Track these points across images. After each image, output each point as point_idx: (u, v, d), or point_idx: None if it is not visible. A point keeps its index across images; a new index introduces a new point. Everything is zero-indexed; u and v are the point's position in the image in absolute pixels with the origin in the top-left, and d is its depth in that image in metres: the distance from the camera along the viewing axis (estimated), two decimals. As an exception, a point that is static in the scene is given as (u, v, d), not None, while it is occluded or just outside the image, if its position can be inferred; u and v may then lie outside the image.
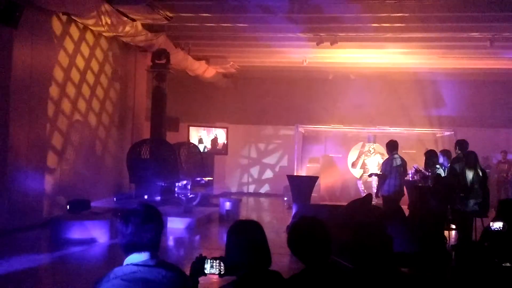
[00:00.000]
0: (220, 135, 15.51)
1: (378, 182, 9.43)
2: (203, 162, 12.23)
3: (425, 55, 12.90)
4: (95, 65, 10.79)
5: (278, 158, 16.97)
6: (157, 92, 11.84)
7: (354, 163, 14.73)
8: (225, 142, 15.58)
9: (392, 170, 8.74)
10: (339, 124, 15.01)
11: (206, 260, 2.46)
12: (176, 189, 10.66)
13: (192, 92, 16.24)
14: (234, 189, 16.73)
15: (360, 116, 15.62)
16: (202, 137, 15.10)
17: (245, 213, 11.67)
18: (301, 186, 10.98)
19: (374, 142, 14.11)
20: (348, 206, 8.17)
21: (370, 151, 14.00)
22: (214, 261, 2.47)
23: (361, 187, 13.65)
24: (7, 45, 8.07)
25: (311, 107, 16.08)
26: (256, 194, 16.64)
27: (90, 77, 10.64)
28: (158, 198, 10.52)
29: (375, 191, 9.29)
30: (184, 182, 10.78)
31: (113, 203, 10.07)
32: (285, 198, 13.78)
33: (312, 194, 11.43)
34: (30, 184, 8.52)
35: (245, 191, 16.93)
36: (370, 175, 11.38)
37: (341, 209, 8.24)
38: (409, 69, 14.49)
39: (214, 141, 15.36)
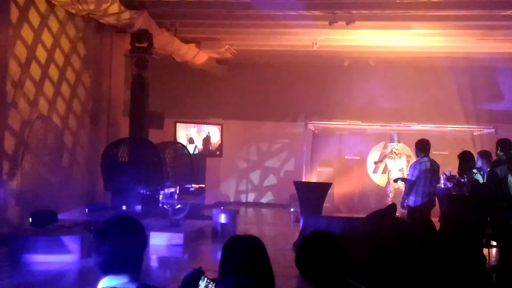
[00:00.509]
0: (214, 133, 15.52)
1: (404, 190, 9.43)
2: (193, 165, 12.23)
3: (460, 37, 12.90)
4: (62, 50, 10.79)
5: (283, 161, 16.97)
6: (137, 81, 11.84)
7: (375, 162, 14.72)
8: (220, 141, 15.58)
9: (420, 176, 8.74)
10: (356, 120, 15.02)
11: (203, 277, 2.48)
12: (160, 198, 10.67)
13: (179, 82, 16.24)
14: (230, 198, 16.74)
15: (382, 110, 15.62)
16: (191, 135, 15.11)
17: (243, 227, 11.68)
18: (311, 194, 10.99)
19: (399, 142, 14.07)
20: (367, 219, 8.18)
21: (395, 152, 13.95)
22: (211, 283, 2.48)
23: (389, 196, 13.56)
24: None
25: (322, 100, 16.08)
26: (256, 204, 16.65)
27: (56, 63, 10.63)
28: (139, 208, 10.52)
29: (401, 200, 9.30)
30: (171, 190, 10.78)
31: (85, 215, 10.06)
32: (292, 209, 13.77)
33: (324, 204, 11.45)
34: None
35: (244, 200, 16.93)
36: (396, 180, 11.36)
37: (359, 222, 8.24)
38: (441, 54, 14.48)
39: (206, 140, 15.37)
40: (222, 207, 12.50)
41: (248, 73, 16.59)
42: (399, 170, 13.62)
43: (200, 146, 15.23)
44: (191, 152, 13.52)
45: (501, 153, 7.99)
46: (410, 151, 13.60)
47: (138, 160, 10.65)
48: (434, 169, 8.85)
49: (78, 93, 11.47)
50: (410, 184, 8.84)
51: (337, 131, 15.66)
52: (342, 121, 15.14)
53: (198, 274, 2.51)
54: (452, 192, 8.80)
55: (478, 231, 7.61)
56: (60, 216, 8.89)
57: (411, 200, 8.79)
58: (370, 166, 15.07)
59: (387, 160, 14.03)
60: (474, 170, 8.55)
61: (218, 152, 15.67)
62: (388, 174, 14.02)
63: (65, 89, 11.00)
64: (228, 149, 15.92)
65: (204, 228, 10.95)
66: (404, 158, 13.90)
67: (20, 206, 9.42)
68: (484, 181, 8.25)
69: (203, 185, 13.63)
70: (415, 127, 14.63)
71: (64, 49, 10.86)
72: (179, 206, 10.76)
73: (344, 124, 15.19)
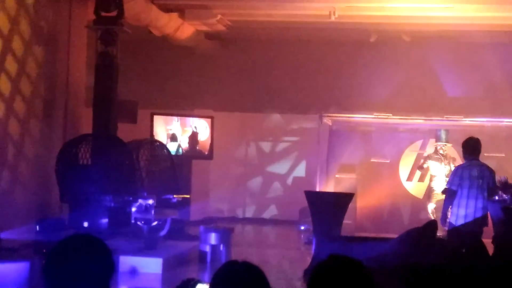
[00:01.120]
0: (202, 128, 15.50)
1: (444, 203, 9.42)
2: (175, 170, 12.23)
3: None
4: (4, 21, 10.77)
5: (291, 165, 16.97)
6: (103, 61, 11.82)
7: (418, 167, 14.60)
8: (210, 139, 15.57)
9: (463, 185, 8.73)
10: (385, 113, 15.01)
11: (198, 283, 2.51)
12: (132, 213, 10.67)
13: (158, 63, 16.23)
14: (223, 213, 16.73)
15: (419, 100, 15.59)
16: (173, 131, 15.10)
17: (239, 251, 11.68)
18: (327, 208, 10.98)
19: (447, 142, 13.86)
20: (400, 240, 8.16)
21: (441, 154, 13.81)
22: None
23: (430, 211, 13.51)
24: None
25: (342, 86, 16.07)
26: (257, 221, 16.64)
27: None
28: (105, 225, 10.51)
29: (441, 215, 9.30)
30: (147, 201, 10.78)
31: (35, 234, 10.07)
32: (302, 227, 13.78)
33: (344, 221, 11.43)
34: None
35: (240, 215, 16.93)
36: (444, 192, 11.27)
37: (389, 244, 8.23)
38: (498, 27, 14.46)
39: (193, 137, 15.35)
40: (212, 224, 12.50)
41: (246, 51, 16.58)
42: (446, 176, 13.50)
43: (184, 145, 15.22)
44: (173, 152, 13.52)
45: None
46: (456, 153, 13.55)
47: (104, 162, 10.64)
48: (484, 176, 8.83)
49: (28, 67, 11.45)
50: (450, 195, 8.85)
51: (361, 126, 15.65)
52: (367, 113, 15.12)
53: (192, 284, 2.52)
54: (509, 206, 8.79)
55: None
56: (2, 235, 8.88)
57: (454, 216, 8.78)
58: (403, 172, 15.04)
59: (429, 162, 13.84)
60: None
61: (207, 154, 15.66)
62: (431, 180, 13.88)
63: (11, 61, 10.99)
64: (220, 149, 15.90)
65: (189, 251, 10.95)
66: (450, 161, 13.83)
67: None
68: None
69: (188, 196, 13.62)
70: (461, 121, 14.60)
71: (2, 30, 10.81)
72: (156, 222, 10.76)
73: (369, 117, 15.17)
